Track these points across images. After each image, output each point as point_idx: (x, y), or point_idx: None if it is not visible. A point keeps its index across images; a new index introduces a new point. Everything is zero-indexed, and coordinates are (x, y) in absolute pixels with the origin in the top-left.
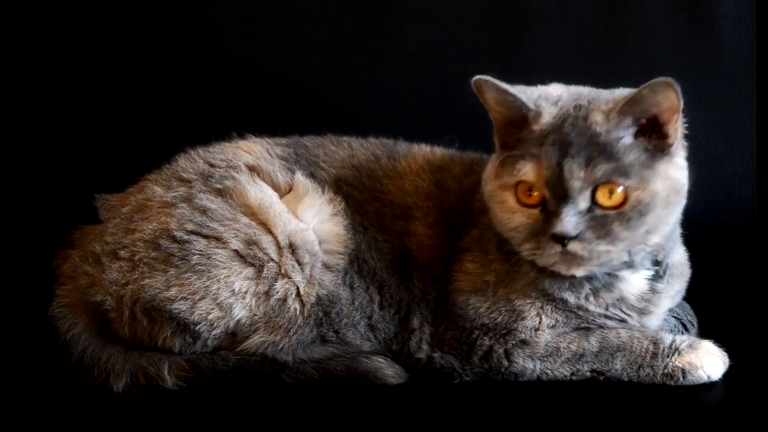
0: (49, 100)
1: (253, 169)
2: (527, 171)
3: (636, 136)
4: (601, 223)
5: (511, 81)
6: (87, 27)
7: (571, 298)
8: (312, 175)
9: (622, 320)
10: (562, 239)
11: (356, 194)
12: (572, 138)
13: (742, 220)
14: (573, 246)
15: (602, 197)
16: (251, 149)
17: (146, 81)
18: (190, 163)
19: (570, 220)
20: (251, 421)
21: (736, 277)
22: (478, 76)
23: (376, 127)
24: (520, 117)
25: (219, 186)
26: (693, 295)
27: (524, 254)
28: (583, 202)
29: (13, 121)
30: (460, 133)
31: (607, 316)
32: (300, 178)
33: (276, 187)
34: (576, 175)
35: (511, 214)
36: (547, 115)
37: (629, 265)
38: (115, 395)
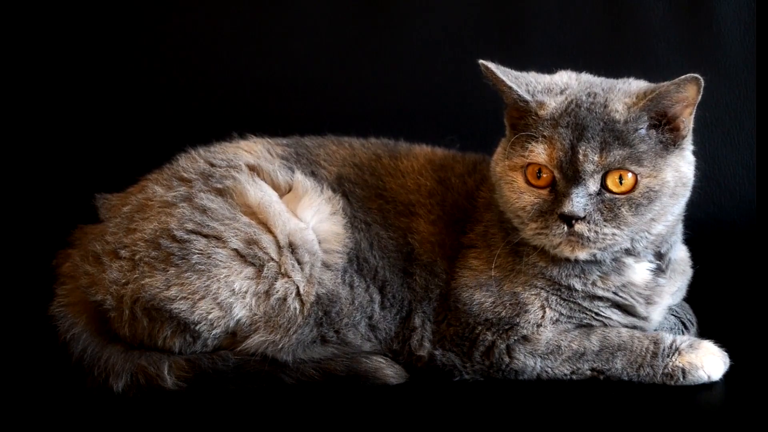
0: (49, 100)
1: (253, 169)
2: (539, 152)
3: (648, 128)
4: (609, 206)
5: None
6: (87, 27)
7: (578, 285)
8: (313, 174)
9: (631, 306)
10: (570, 219)
11: (359, 191)
12: (588, 122)
13: (742, 220)
14: (580, 227)
15: (612, 183)
16: (252, 149)
17: (147, 81)
18: (191, 162)
19: (579, 201)
20: (251, 421)
21: (736, 277)
22: (481, 61)
23: (377, 128)
24: (524, 102)
25: (219, 185)
26: (693, 295)
27: (528, 234)
28: (593, 185)
29: (13, 121)
30: (461, 134)
31: (615, 303)
32: (299, 177)
33: (276, 187)
34: (590, 159)
35: (520, 194)
36: (553, 102)
37: (630, 252)
38: (115, 395)
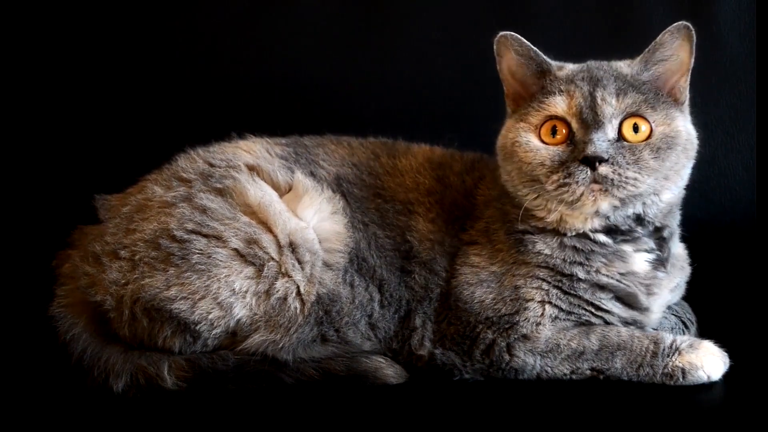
0: (49, 100)
1: (252, 169)
2: (558, 103)
3: (651, 86)
4: (631, 150)
5: None
6: (87, 27)
7: (581, 273)
8: (312, 174)
9: (633, 294)
10: (594, 162)
11: (357, 191)
12: (601, 75)
13: (742, 220)
14: (604, 169)
15: (628, 132)
16: (251, 149)
17: (146, 81)
18: (190, 162)
19: (602, 144)
20: (251, 421)
21: (736, 277)
22: (503, 32)
23: (376, 128)
24: (538, 73)
25: (219, 185)
26: (693, 294)
27: (550, 188)
28: (612, 132)
29: (13, 121)
30: (460, 134)
31: (617, 294)
32: (299, 177)
33: (276, 187)
34: (608, 101)
35: (536, 151)
36: (571, 65)
37: (640, 219)
38: (115, 395)
